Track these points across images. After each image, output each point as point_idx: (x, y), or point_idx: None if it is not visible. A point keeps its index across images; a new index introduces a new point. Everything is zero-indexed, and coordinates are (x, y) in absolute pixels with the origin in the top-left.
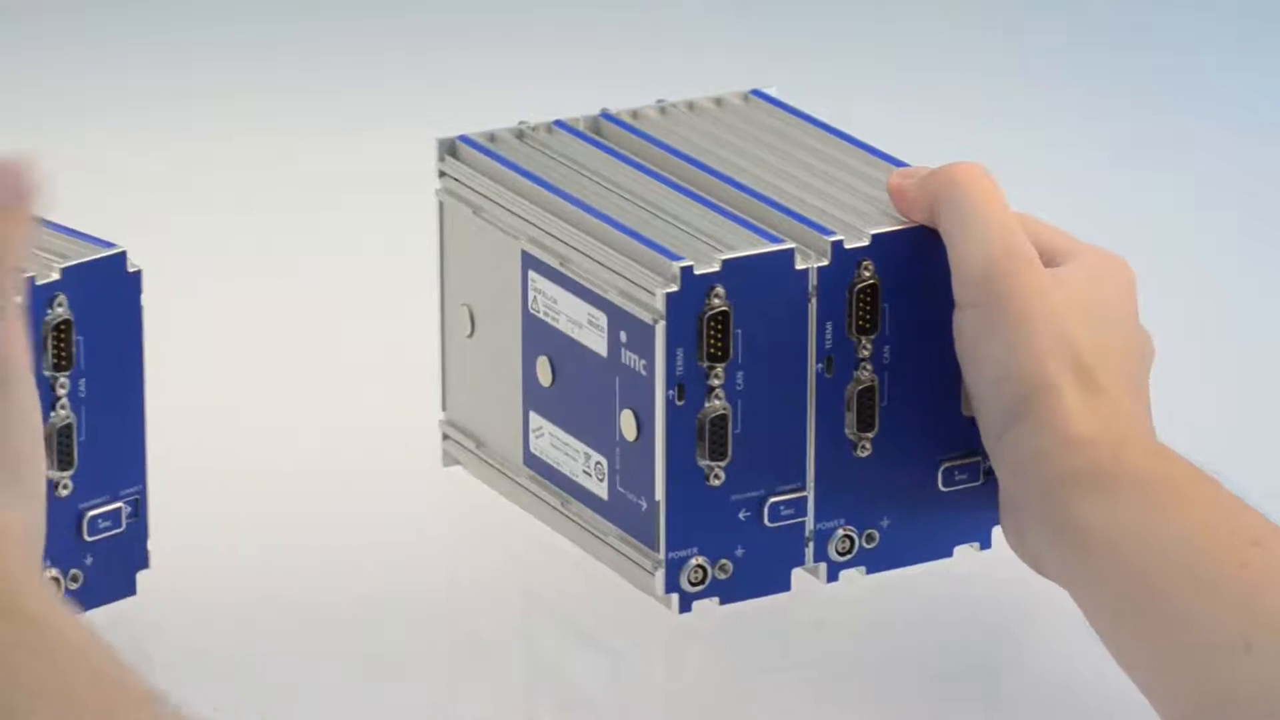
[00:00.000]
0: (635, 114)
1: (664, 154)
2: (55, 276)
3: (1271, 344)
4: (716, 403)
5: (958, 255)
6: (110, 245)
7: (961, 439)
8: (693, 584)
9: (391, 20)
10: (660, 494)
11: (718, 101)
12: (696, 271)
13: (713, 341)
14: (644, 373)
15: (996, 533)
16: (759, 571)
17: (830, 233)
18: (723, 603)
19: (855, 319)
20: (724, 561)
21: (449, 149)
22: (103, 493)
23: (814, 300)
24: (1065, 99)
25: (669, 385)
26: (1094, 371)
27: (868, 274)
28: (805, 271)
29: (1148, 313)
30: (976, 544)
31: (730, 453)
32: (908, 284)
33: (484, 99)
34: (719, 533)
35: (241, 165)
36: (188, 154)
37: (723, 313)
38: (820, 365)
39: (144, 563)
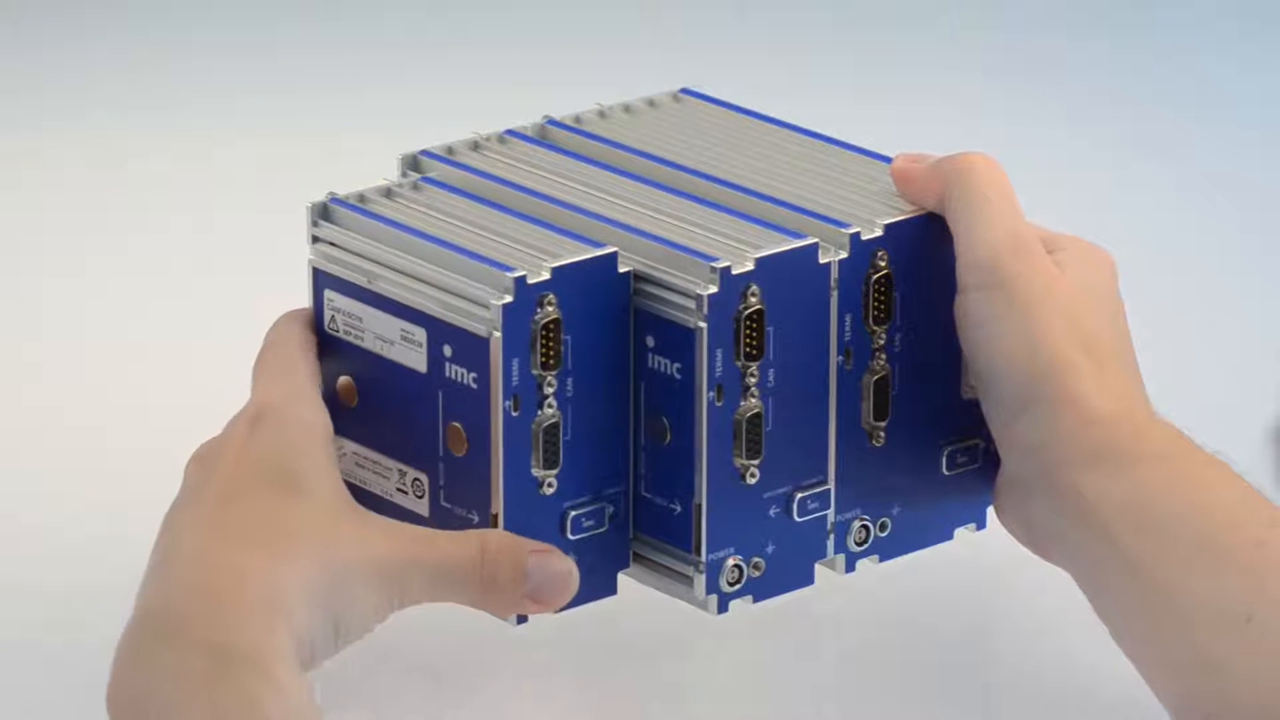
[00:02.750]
0: (579, 119)
1: (639, 159)
2: None
3: (1267, 343)
4: (752, 401)
5: (966, 240)
6: None
7: (963, 422)
8: (730, 584)
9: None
10: (702, 496)
11: (651, 102)
12: (734, 272)
13: (749, 340)
14: (678, 376)
15: (991, 513)
16: (786, 567)
17: (845, 225)
18: (755, 600)
19: (871, 309)
20: (757, 559)
21: (412, 164)
22: None
23: (835, 293)
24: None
25: (710, 387)
26: (1101, 354)
27: (883, 264)
28: (828, 265)
29: (1143, 309)
30: (973, 525)
31: (764, 450)
32: (914, 271)
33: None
34: (752, 531)
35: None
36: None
37: (758, 311)
38: (841, 357)
39: None
